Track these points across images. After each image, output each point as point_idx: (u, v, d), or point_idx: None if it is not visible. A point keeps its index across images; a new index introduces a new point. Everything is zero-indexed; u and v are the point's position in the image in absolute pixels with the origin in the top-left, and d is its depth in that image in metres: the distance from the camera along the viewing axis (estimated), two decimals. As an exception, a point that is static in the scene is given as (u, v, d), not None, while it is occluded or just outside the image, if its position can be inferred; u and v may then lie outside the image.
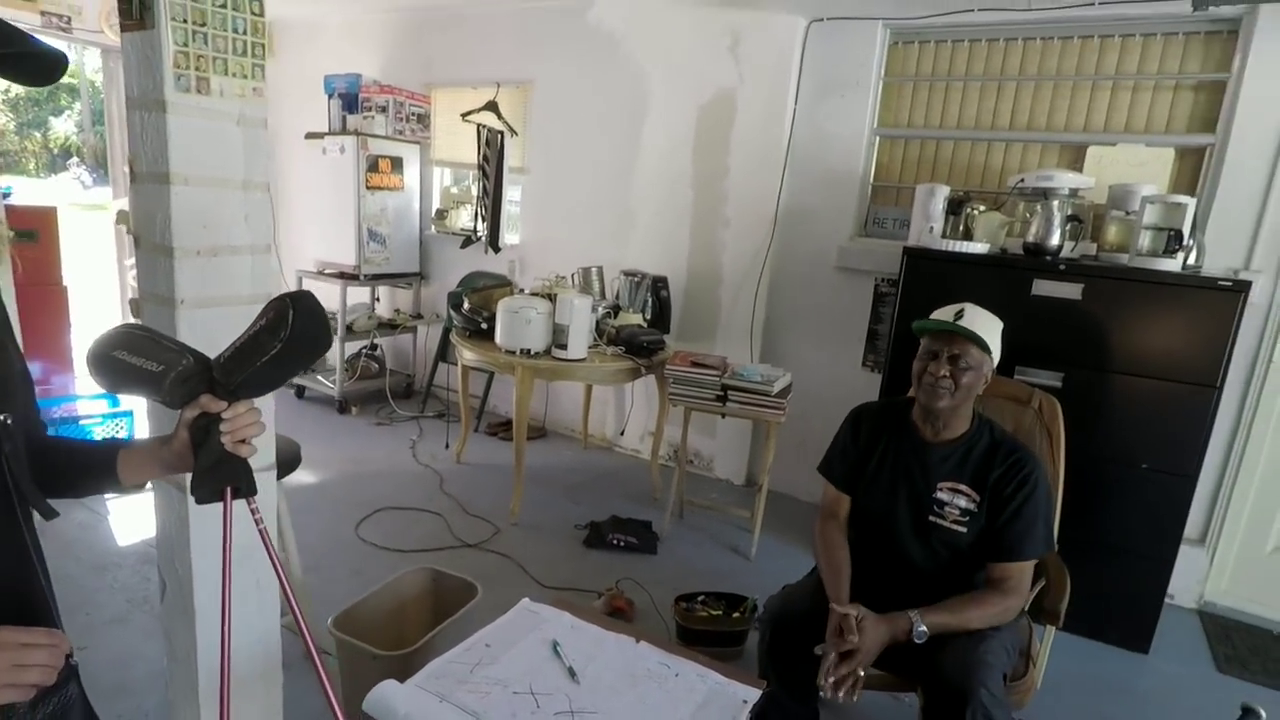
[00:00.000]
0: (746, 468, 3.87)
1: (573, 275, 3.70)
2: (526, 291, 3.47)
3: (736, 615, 2.39)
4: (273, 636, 1.64)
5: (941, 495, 1.73)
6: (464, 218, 4.73)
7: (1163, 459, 2.49)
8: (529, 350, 3.17)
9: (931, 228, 2.84)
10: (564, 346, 3.15)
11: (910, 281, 2.82)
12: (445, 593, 2.12)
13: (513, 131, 4.31)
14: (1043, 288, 2.59)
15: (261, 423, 0.90)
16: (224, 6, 1.34)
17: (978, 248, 2.74)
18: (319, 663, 0.97)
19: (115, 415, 3.51)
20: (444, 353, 4.60)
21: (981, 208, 2.90)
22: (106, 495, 0.90)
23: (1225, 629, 2.79)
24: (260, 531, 0.97)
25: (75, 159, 19.13)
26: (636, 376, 3.38)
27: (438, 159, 4.84)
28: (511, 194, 4.47)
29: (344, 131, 4.47)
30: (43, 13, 4.19)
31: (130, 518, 2.89)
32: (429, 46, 4.66)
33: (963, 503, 1.71)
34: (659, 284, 3.66)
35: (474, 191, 4.56)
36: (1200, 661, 2.60)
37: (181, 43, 1.28)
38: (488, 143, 4.27)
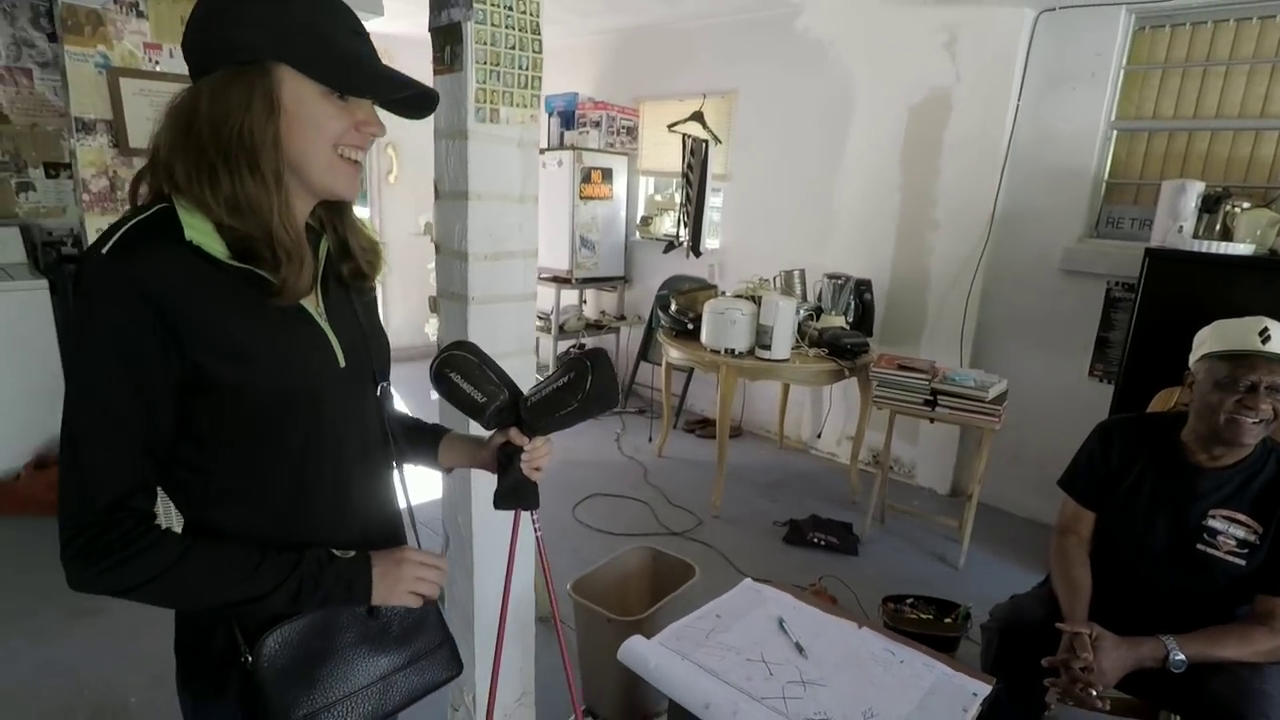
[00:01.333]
0: (952, 477, 3.74)
1: (774, 278, 3.79)
2: (727, 294, 3.62)
3: (949, 621, 2.36)
4: (528, 597, 1.88)
5: (1214, 524, 1.60)
6: (666, 224, 4.98)
7: None
8: (733, 350, 3.31)
9: (1180, 227, 2.60)
10: (767, 347, 3.25)
11: (1152, 286, 2.61)
12: (663, 571, 2.30)
13: (716, 140, 4.48)
14: (1325, 293, 2.29)
15: (552, 453, 1.07)
16: (514, 48, 1.56)
17: (1240, 249, 2.48)
18: (558, 622, 1.26)
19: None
20: (645, 352, 4.87)
21: (1245, 205, 2.61)
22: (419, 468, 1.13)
23: None
24: (538, 539, 1.20)
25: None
26: (839, 379, 3.40)
27: (644, 169, 5.14)
28: (713, 200, 4.65)
29: (561, 146, 4.90)
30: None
31: (410, 483, 3.40)
32: (638, 62, 4.96)
33: (1240, 533, 1.58)
34: (862, 287, 3.65)
35: (677, 199, 4.79)
36: None
37: (481, 81, 1.51)
38: (692, 151, 4.47)
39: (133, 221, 0.75)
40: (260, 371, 0.79)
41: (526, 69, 1.61)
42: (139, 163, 0.82)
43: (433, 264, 1.74)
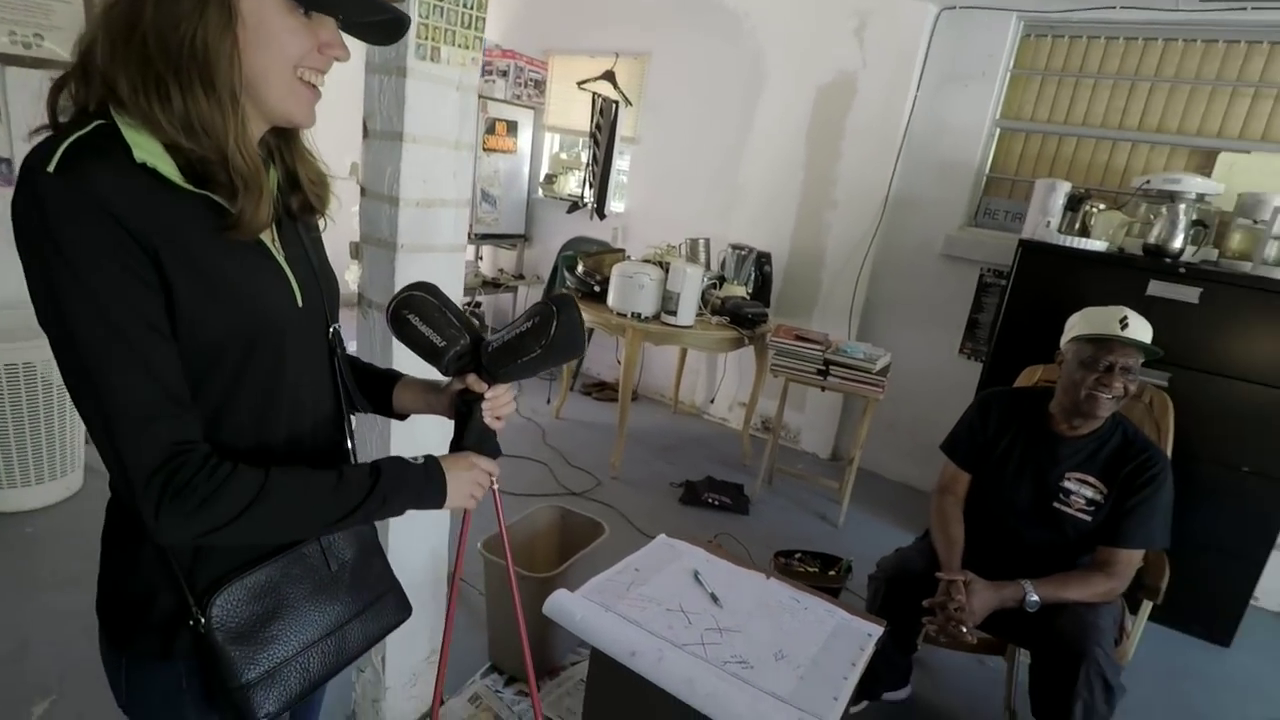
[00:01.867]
0: (833, 442, 4.00)
1: (680, 245, 3.86)
2: (634, 258, 3.65)
3: (832, 573, 2.56)
4: (440, 554, 1.87)
5: (1069, 485, 1.84)
6: (571, 183, 4.92)
7: (1265, 464, 2.53)
8: (640, 314, 3.36)
9: (1049, 222, 2.88)
10: (673, 313, 3.32)
11: (1023, 273, 2.88)
12: (572, 529, 2.35)
13: (627, 101, 4.45)
14: (1159, 289, 2.62)
15: (514, 402, 1.06)
16: (458, -18, 1.50)
17: (1095, 245, 2.78)
18: (512, 569, 1.31)
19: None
20: (544, 312, 4.82)
21: (1101, 206, 2.92)
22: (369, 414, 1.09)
23: (1310, 636, 2.84)
24: (494, 491, 1.15)
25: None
26: (739, 346, 3.54)
27: (550, 125, 5.03)
28: (619, 163, 4.63)
29: (465, 94, 4.69)
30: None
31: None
32: (550, 13, 4.82)
33: (1089, 493, 1.82)
34: (763, 259, 3.79)
35: (583, 158, 4.74)
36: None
37: (424, 15, 1.43)
38: (601, 111, 4.43)
39: (71, 138, 0.66)
40: (226, 306, 0.74)
41: (471, 8, 1.54)
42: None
43: (356, 207, 1.66)
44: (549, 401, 4.32)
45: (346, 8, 0.77)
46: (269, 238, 0.82)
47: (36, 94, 0.73)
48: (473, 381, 0.99)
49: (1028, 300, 2.86)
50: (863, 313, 3.79)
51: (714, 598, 1.63)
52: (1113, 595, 1.77)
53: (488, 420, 1.01)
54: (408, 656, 1.80)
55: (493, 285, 5.08)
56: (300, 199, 0.88)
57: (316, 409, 0.91)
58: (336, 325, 0.94)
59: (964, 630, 1.70)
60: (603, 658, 1.48)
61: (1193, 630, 2.70)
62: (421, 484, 0.89)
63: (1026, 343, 2.67)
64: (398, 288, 1.54)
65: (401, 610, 1.04)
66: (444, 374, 1.01)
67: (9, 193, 0.68)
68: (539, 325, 0.96)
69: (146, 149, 0.68)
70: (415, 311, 0.98)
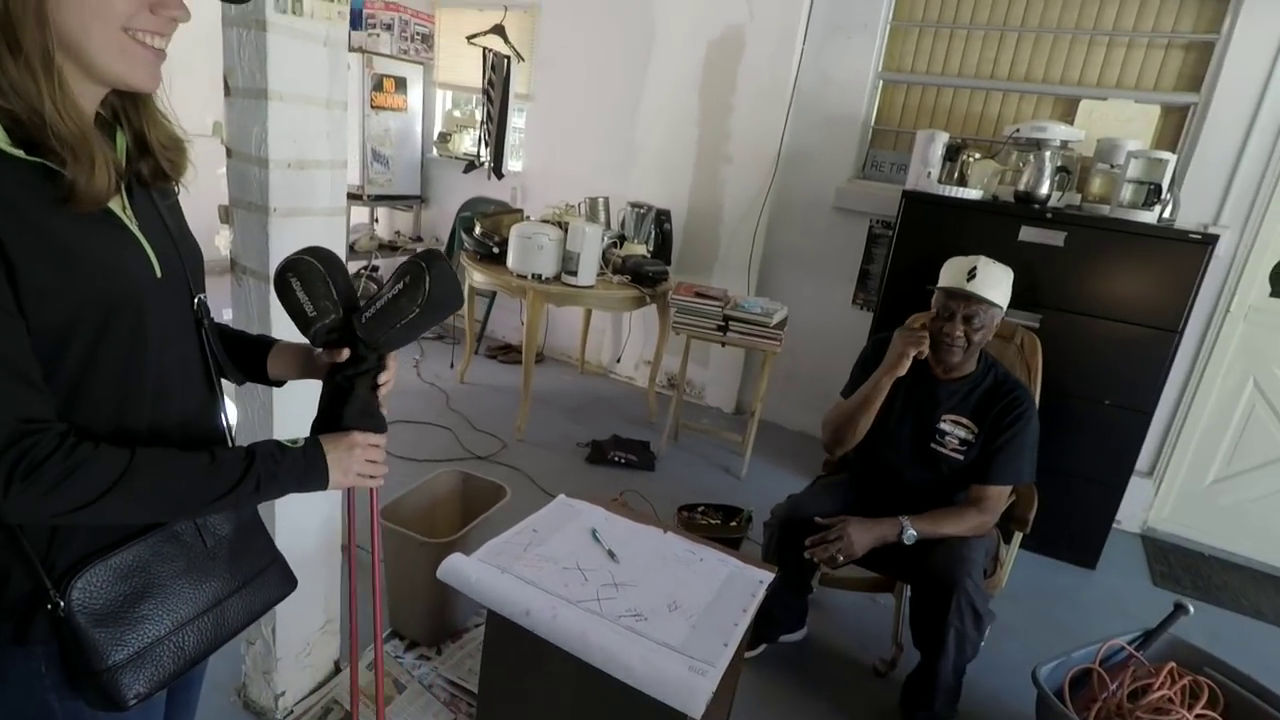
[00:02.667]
0: (736, 397, 4.09)
1: (580, 204, 3.79)
2: (533, 218, 3.57)
3: (734, 524, 2.63)
4: (333, 524, 1.81)
5: (944, 426, 1.94)
6: (466, 142, 4.74)
7: (1124, 397, 2.73)
8: (540, 275, 3.30)
9: (929, 173, 2.99)
10: (574, 273, 3.28)
11: (907, 224, 2.98)
12: (473, 494, 2.31)
13: (519, 57, 4.30)
14: (1029, 234, 2.76)
15: (395, 375, 1.03)
16: (320, -69, 1.39)
17: (972, 194, 2.90)
18: (377, 551, 1.18)
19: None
20: (444, 277, 4.68)
21: (977, 155, 3.04)
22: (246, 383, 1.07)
23: (1163, 551, 3.13)
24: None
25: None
26: (641, 305, 3.53)
27: (441, 81, 4.81)
28: (515, 120, 4.49)
29: (349, 48, 4.42)
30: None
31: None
32: (432, -38, 4.57)
33: (962, 434, 1.92)
34: (662, 217, 3.77)
35: (478, 116, 4.56)
36: (1139, 577, 2.93)
37: None
38: (493, 67, 4.26)
39: None
40: (75, 279, 0.69)
41: (335, -42, 1.44)
42: None
43: (223, 169, 1.55)
44: (453, 366, 4.22)
45: None
46: (119, 206, 0.77)
47: None
48: (338, 354, 0.96)
49: (912, 250, 2.97)
50: (760, 268, 3.84)
51: (611, 554, 1.64)
52: (984, 529, 1.88)
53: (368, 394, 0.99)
54: (300, 627, 1.75)
55: (390, 248, 4.89)
56: (151, 165, 0.83)
57: (186, 384, 0.87)
58: (201, 295, 0.89)
59: (841, 560, 1.80)
60: (498, 619, 1.47)
61: (1062, 555, 2.93)
62: (300, 469, 0.87)
63: (912, 291, 2.78)
64: (273, 253, 1.48)
65: (286, 583, 1.02)
66: (313, 344, 0.99)
67: None
68: (411, 284, 0.93)
69: None
70: (300, 277, 0.95)
